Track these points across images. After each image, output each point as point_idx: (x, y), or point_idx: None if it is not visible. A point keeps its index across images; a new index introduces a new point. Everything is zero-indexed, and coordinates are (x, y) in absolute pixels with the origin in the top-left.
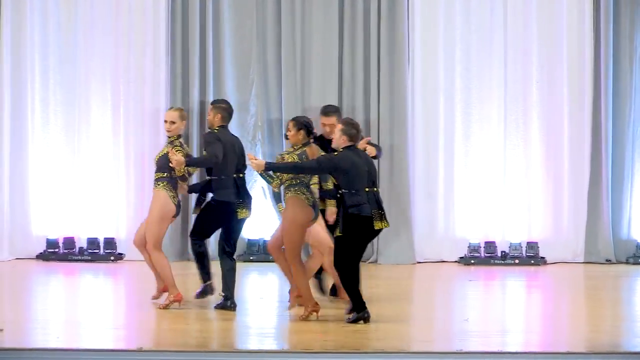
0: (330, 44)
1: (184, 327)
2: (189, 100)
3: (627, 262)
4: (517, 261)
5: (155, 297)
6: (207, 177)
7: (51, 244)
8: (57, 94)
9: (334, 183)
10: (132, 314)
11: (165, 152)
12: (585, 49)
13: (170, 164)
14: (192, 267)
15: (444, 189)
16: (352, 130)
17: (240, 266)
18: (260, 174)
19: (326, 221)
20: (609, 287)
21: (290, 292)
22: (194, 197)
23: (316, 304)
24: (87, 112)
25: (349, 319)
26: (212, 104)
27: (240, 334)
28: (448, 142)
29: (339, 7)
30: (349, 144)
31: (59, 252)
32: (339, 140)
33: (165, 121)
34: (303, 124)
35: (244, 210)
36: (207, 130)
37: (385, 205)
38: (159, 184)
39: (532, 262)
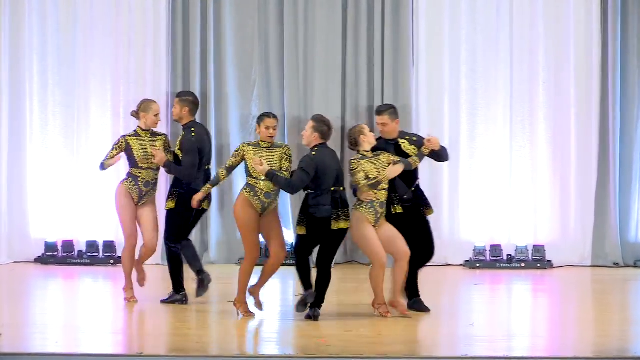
0: (333, 45)
1: (184, 332)
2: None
3: (635, 266)
4: (523, 265)
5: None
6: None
7: (50, 247)
8: (56, 95)
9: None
10: (132, 318)
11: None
12: (593, 49)
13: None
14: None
15: (449, 191)
16: (324, 127)
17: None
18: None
19: (399, 227)
20: (616, 290)
21: (372, 304)
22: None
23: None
24: (87, 114)
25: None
26: (177, 96)
27: (242, 339)
28: (453, 143)
29: (342, 7)
30: (320, 141)
31: (57, 256)
32: (310, 137)
33: None
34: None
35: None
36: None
37: None
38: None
39: (539, 265)
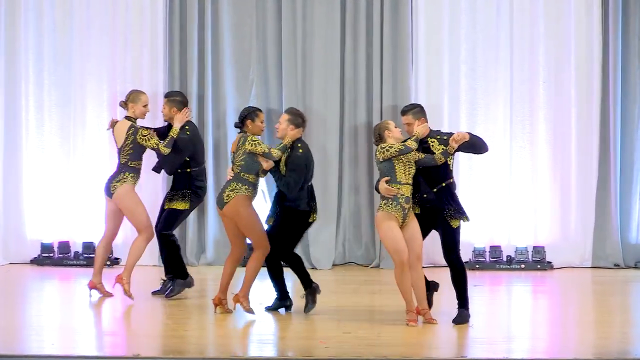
0: (332, 43)
1: (181, 333)
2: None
3: (635, 267)
4: (523, 266)
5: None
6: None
7: (46, 248)
8: (52, 95)
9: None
10: (129, 320)
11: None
12: (593, 49)
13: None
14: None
15: None
16: (299, 119)
17: (238, 271)
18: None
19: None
20: (617, 292)
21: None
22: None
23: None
24: (83, 114)
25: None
26: (166, 97)
27: (240, 341)
28: None
29: (340, 5)
30: (297, 135)
31: (53, 257)
32: (285, 130)
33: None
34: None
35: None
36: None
37: None
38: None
39: (539, 266)
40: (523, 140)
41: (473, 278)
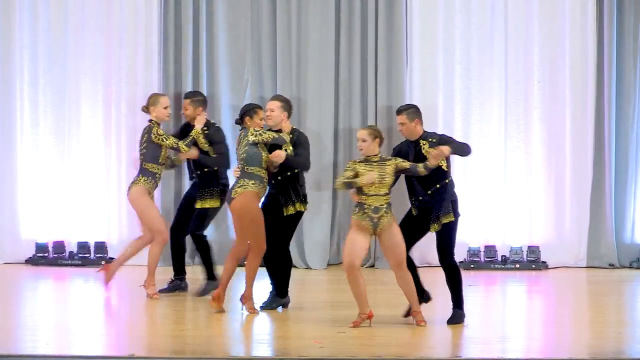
0: (326, 44)
1: (177, 333)
2: (181, 101)
3: (630, 267)
4: (518, 266)
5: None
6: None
7: (40, 248)
8: (47, 95)
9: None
10: (124, 320)
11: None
12: (588, 48)
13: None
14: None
15: None
16: (289, 105)
17: (238, 271)
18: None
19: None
20: (612, 292)
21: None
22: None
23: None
24: (78, 114)
25: None
26: (188, 97)
27: (235, 341)
28: None
29: (335, 6)
30: (287, 121)
31: (48, 257)
32: (279, 117)
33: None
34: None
35: None
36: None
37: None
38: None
39: (534, 266)
40: (518, 140)
41: (467, 278)
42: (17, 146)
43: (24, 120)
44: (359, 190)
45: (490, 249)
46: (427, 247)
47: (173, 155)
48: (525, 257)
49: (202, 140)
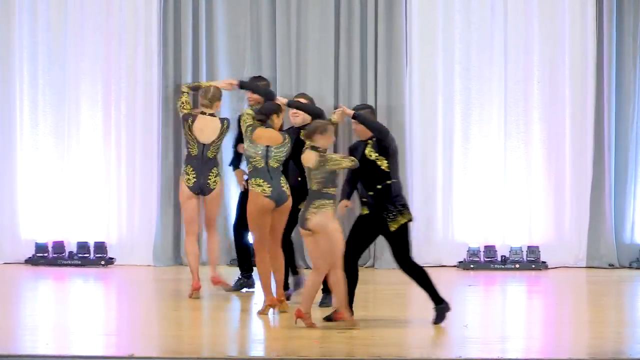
0: (326, 44)
1: (176, 333)
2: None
3: (630, 267)
4: (517, 266)
5: None
6: None
7: (40, 248)
8: (47, 95)
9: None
10: (123, 319)
11: None
12: (588, 49)
13: None
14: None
15: (442, 191)
16: (313, 103)
17: (233, 271)
18: None
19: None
20: (612, 292)
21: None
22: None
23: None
24: (77, 114)
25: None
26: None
27: (233, 341)
28: (447, 143)
29: (335, 6)
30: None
31: (48, 257)
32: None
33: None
34: None
35: None
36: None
37: None
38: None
39: (533, 266)
40: (517, 140)
41: (467, 278)
42: (16, 146)
43: (23, 120)
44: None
45: (489, 249)
46: (434, 247)
47: None
48: (525, 257)
49: None
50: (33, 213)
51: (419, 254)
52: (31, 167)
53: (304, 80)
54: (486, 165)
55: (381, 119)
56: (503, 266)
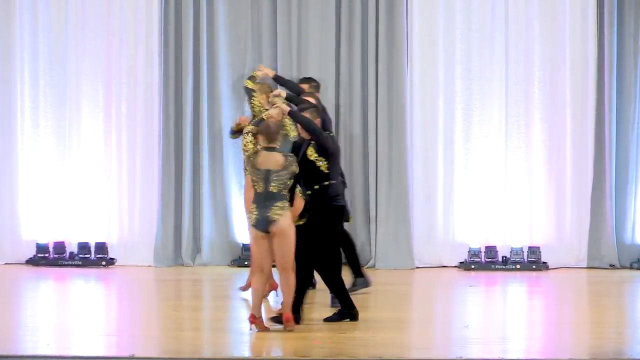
0: (327, 45)
1: (177, 333)
2: (182, 102)
3: (631, 268)
4: (518, 266)
5: None
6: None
7: (41, 248)
8: (47, 95)
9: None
10: (124, 320)
11: None
12: (589, 49)
13: None
14: (186, 272)
15: (443, 192)
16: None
17: (234, 271)
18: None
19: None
20: (612, 292)
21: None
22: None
23: None
24: (78, 114)
25: None
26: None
27: (234, 341)
28: (448, 144)
29: (335, 7)
30: None
31: (49, 257)
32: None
33: None
34: None
35: None
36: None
37: (383, 209)
38: None
39: (534, 267)
40: (518, 140)
41: (468, 278)
42: (17, 147)
43: (24, 120)
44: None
45: (490, 250)
46: (435, 247)
47: None
48: (525, 257)
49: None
50: (34, 213)
51: (420, 255)
52: (32, 167)
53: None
54: (487, 166)
55: (381, 119)
56: (504, 267)
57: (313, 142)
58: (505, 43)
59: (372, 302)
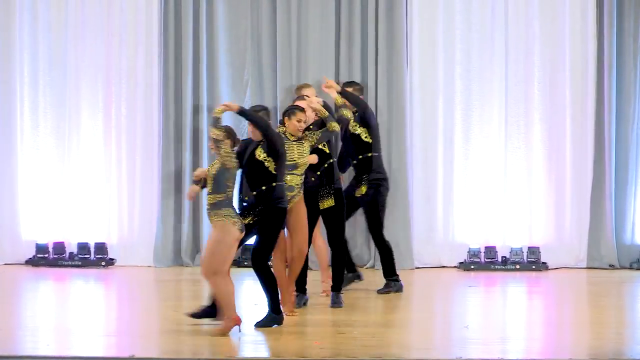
0: (326, 45)
1: (176, 334)
2: (182, 102)
3: (630, 268)
4: (518, 266)
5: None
6: None
7: (41, 249)
8: (47, 96)
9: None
10: (124, 320)
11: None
12: (588, 50)
13: None
14: (185, 273)
15: (443, 192)
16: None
17: (234, 271)
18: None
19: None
20: (612, 293)
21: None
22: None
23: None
24: (78, 115)
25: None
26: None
27: (235, 341)
28: (447, 144)
29: (335, 7)
30: None
31: (48, 258)
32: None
33: None
34: None
35: None
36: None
37: None
38: None
39: (534, 267)
40: (518, 140)
41: (467, 278)
42: (17, 147)
43: (24, 121)
44: None
45: (490, 250)
46: (435, 248)
47: None
48: (525, 258)
49: None
50: (33, 214)
51: (420, 255)
52: (32, 167)
53: (304, 81)
54: (487, 166)
55: (381, 119)
56: (503, 267)
57: (263, 142)
58: (505, 44)
59: (372, 303)
